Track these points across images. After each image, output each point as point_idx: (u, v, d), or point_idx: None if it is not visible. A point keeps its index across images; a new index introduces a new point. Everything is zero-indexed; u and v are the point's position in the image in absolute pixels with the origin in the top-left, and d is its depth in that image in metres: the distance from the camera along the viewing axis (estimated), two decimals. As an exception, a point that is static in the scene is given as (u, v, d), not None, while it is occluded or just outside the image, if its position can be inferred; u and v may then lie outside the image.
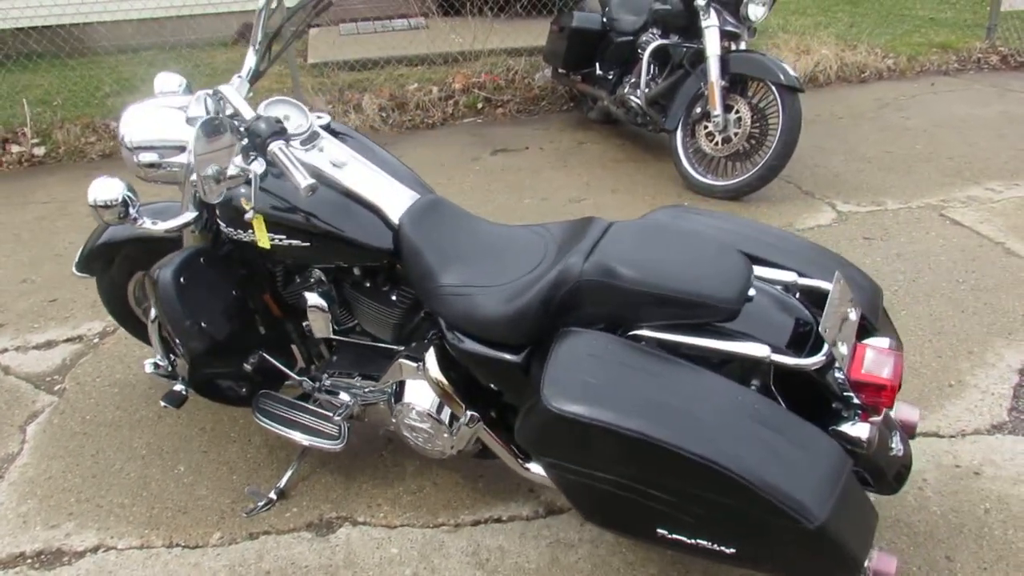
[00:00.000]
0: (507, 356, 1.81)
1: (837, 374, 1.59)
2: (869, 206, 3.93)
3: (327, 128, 2.12)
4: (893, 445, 1.73)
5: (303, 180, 1.66)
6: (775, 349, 1.58)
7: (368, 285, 2.10)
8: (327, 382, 2.23)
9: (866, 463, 1.66)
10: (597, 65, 5.02)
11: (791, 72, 3.80)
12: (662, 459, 1.47)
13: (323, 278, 2.12)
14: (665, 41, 4.36)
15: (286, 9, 5.07)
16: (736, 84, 4.04)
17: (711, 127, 4.05)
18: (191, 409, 2.60)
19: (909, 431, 1.87)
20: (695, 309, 1.60)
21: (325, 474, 2.34)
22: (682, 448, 1.45)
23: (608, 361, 1.58)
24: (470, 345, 1.85)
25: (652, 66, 4.52)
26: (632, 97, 4.55)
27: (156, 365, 2.34)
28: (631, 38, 4.69)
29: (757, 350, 1.57)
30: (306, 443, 2.16)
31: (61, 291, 3.49)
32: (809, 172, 4.39)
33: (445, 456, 2.05)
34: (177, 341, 2.06)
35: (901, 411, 1.88)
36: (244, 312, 2.19)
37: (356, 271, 2.07)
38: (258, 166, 1.86)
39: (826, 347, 1.55)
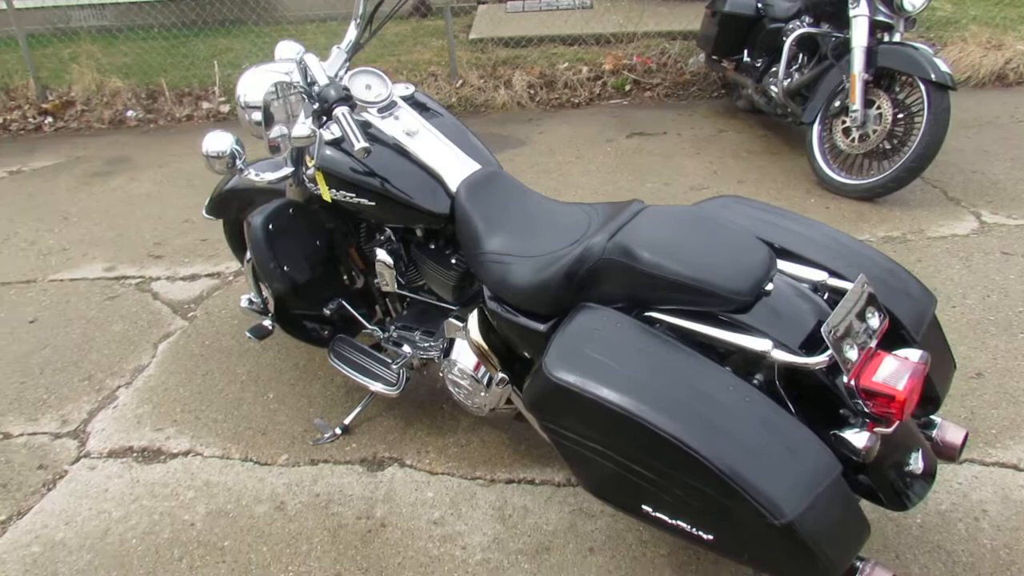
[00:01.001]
0: (534, 324, 1.90)
1: (845, 378, 1.55)
2: (1021, 219, 3.58)
3: (411, 98, 2.28)
4: (910, 461, 1.65)
5: (357, 143, 1.84)
6: (780, 345, 1.56)
7: (432, 248, 2.25)
8: (393, 333, 2.42)
9: (874, 475, 1.61)
10: (746, 52, 4.87)
11: (943, 68, 3.53)
12: (645, 437, 1.51)
13: (392, 237, 2.30)
14: (811, 29, 4.17)
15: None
16: (883, 78, 3.79)
17: (848, 122, 3.84)
18: (290, 347, 2.90)
19: (949, 453, 1.77)
20: (706, 297, 1.61)
21: (388, 418, 2.54)
22: (663, 430, 1.48)
23: (612, 338, 1.63)
24: (503, 311, 1.96)
25: (799, 56, 4.35)
26: (772, 86, 4.39)
27: (250, 301, 2.63)
28: (783, 25, 4.51)
29: (760, 344, 1.56)
30: (366, 385, 2.36)
31: (212, 233, 3.94)
32: (963, 177, 4.05)
33: (483, 414, 2.18)
34: (263, 281, 2.32)
35: (945, 431, 1.78)
36: (326, 262, 2.42)
37: (419, 233, 2.23)
38: (324, 128, 2.05)
39: (839, 345, 1.51)
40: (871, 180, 3.80)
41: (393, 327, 2.43)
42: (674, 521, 1.59)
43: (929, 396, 1.76)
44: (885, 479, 1.62)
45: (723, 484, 1.43)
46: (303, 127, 2.02)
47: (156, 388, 2.77)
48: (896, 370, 1.54)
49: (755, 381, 1.64)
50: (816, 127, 4.07)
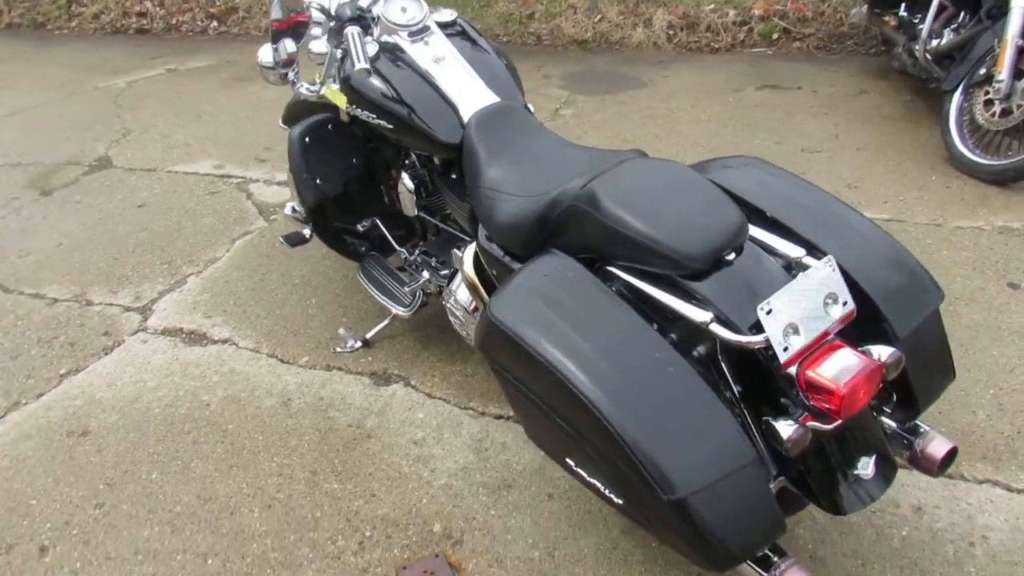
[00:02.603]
0: (511, 263, 1.88)
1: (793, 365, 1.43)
2: None
3: (452, 25, 2.27)
4: (859, 465, 1.51)
5: (358, 63, 1.87)
6: (722, 319, 1.46)
7: (452, 177, 2.26)
8: (417, 258, 2.48)
9: (813, 472, 1.49)
10: (903, 5, 4.38)
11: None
12: (565, 393, 1.48)
13: (416, 163, 2.33)
14: (967, -17, 3.67)
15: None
16: (1045, 46, 3.30)
17: (991, 93, 3.39)
18: (344, 261, 3.03)
19: (928, 466, 1.61)
20: (658, 258, 1.53)
21: (407, 339, 2.62)
22: (578, 388, 1.44)
23: (559, 288, 1.59)
24: (488, 245, 1.95)
25: (959, 14, 3.86)
26: (917, 47, 3.94)
27: (293, 209, 2.76)
28: (950, -23, 4.01)
29: (699, 315, 1.47)
30: (382, 302, 2.45)
31: (316, 143, 4.14)
32: None
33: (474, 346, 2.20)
34: (296, 191, 2.44)
35: (929, 441, 1.61)
36: (361, 180, 2.49)
37: (436, 161, 2.24)
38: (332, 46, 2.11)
39: (776, 328, 1.39)
40: (1006, 162, 3.35)
41: (417, 251, 2.49)
42: (591, 479, 1.57)
43: (909, 401, 1.59)
44: (823, 479, 1.51)
45: (623, 452, 1.38)
46: (319, 44, 2.07)
47: (219, 280, 3.01)
48: (847, 366, 1.40)
49: (695, 353, 1.55)
50: (956, 96, 3.62)
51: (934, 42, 3.86)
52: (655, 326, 1.54)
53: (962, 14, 3.88)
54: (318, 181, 2.39)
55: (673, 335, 1.58)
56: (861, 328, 1.56)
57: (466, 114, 2.08)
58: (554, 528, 1.94)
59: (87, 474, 2.17)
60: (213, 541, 1.96)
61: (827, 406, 1.40)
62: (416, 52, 2.15)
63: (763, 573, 1.45)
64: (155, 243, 3.29)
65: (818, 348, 1.43)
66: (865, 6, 5.11)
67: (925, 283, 1.61)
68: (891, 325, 1.53)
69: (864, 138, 3.94)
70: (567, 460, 1.61)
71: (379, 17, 2.16)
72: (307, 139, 2.37)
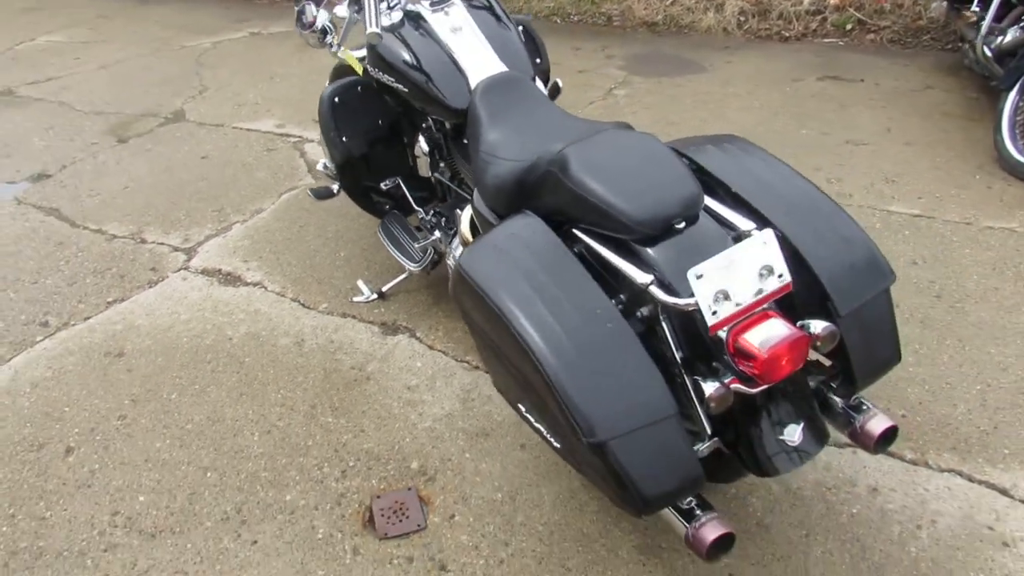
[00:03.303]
0: (497, 223, 2.00)
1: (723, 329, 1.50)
2: None
3: (479, -2, 2.39)
4: (786, 432, 1.57)
5: (369, 27, 2.02)
6: (661, 283, 1.55)
7: (464, 142, 2.39)
8: (432, 218, 2.62)
9: (743, 435, 1.57)
10: (975, 1, 4.23)
11: None
12: (513, 341, 1.59)
13: (432, 127, 2.46)
14: (1034, -23, 3.54)
15: None
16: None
17: (1045, 92, 3.28)
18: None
19: (865, 441, 1.65)
20: (612, 222, 1.63)
21: (421, 294, 2.78)
22: (523, 337, 1.54)
23: (521, 245, 1.69)
24: (480, 206, 2.08)
25: (1021, 12, 3.73)
26: (979, 42, 3.82)
27: (325, 165, 2.94)
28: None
29: (641, 277, 1.56)
30: (395, 257, 2.61)
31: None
32: None
33: (471, 303, 2.33)
34: (325, 147, 2.61)
35: (869, 418, 1.65)
36: (386, 140, 2.65)
37: (448, 126, 2.37)
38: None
39: (706, 293, 1.47)
40: (1054, 165, 3.25)
41: (432, 211, 2.63)
42: (538, 424, 1.69)
43: (849, 378, 1.64)
44: (752, 442, 1.58)
45: (555, 398, 1.49)
46: (342, 7, 2.23)
47: (261, 228, 3.24)
48: (773, 334, 1.47)
49: (639, 314, 1.64)
50: (1012, 95, 3.51)
51: (999, 39, 3.74)
52: (608, 286, 1.64)
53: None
54: (344, 139, 2.56)
55: (623, 295, 1.67)
56: (809, 303, 1.62)
57: (475, 82, 2.20)
58: (520, 475, 2.07)
59: (116, 389, 2.42)
60: (215, 457, 2.17)
61: (752, 370, 1.48)
62: (436, 21, 2.28)
63: (685, 524, 1.55)
64: (210, 192, 3.55)
65: (750, 315, 1.50)
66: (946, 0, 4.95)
67: (876, 264, 1.65)
68: (833, 302, 1.58)
69: (916, 133, 3.85)
70: (519, 406, 1.73)
71: None
72: (336, 99, 2.54)
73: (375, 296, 2.76)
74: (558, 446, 1.64)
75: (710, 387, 1.49)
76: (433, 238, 2.55)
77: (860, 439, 1.66)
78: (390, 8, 2.33)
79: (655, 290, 1.54)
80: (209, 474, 2.12)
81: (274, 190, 3.54)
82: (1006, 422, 2.14)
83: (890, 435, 1.64)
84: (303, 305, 2.76)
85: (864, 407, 1.67)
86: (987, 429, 2.11)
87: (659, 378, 1.48)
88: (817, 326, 1.53)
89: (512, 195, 1.90)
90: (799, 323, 1.55)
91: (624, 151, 1.73)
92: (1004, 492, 1.93)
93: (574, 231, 1.74)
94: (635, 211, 1.59)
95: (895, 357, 1.68)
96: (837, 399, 1.70)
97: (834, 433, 1.67)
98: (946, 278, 2.74)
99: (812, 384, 1.74)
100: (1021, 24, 3.74)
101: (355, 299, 2.76)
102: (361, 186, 2.79)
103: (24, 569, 1.88)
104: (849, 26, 5.40)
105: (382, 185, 2.72)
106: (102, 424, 2.29)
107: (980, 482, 1.96)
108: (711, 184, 1.78)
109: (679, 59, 5.09)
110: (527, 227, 1.74)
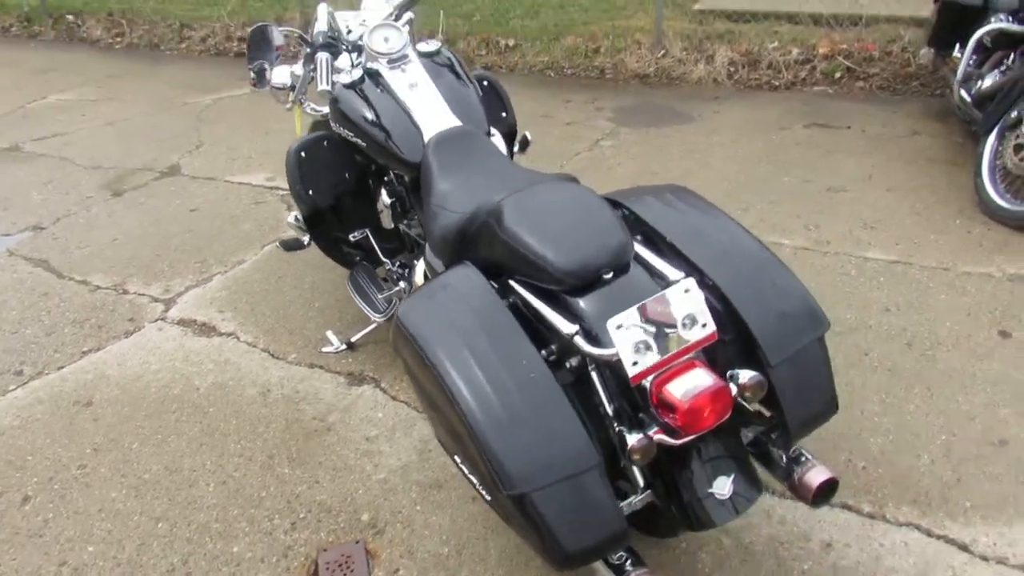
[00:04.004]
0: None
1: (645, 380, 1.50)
2: None
3: (436, 54, 2.45)
4: (715, 484, 1.55)
5: (321, 85, 2.08)
6: (586, 333, 1.55)
7: (420, 194, 2.42)
8: (397, 269, 2.65)
9: (673, 487, 1.55)
10: (957, 46, 4.26)
11: None
12: (443, 392, 1.60)
13: (394, 180, 2.50)
14: (1007, 25, 3.56)
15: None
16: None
17: (1021, 137, 3.28)
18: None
19: (803, 494, 1.62)
20: (542, 273, 1.64)
21: (390, 345, 2.78)
22: (450, 388, 1.54)
23: (455, 297, 1.70)
24: (430, 257, 2.10)
25: (1011, 56, 3.75)
26: (962, 89, 3.84)
27: (296, 218, 2.98)
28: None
29: (567, 327, 1.56)
30: (361, 307, 2.63)
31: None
32: None
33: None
34: (294, 200, 2.66)
35: (807, 470, 1.62)
36: (353, 193, 2.69)
37: (407, 178, 2.41)
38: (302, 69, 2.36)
39: (627, 343, 1.47)
40: (1034, 210, 3.22)
41: (398, 263, 2.66)
42: (470, 476, 1.67)
43: (784, 429, 1.62)
44: (680, 495, 1.56)
45: (478, 448, 1.49)
46: (297, 66, 2.30)
47: (240, 279, 3.28)
48: (695, 385, 1.46)
49: (568, 364, 1.64)
50: (991, 139, 3.50)
51: (978, 84, 3.75)
52: (541, 337, 1.65)
53: (1012, 56, 3.76)
54: (310, 192, 2.61)
55: (554, 346, 1.67)
56: (742, 353, 1.61)
57: (428, 136, 2.24)
58: (469, 528, 2.04)
59: (80, 438, 2.43)
60: (168, 507, 2.17)
61: (675, 422, 1.47)
62: (393, 78, 2.34)
63: (614, 579, 1.52)
64: (196, 244, 3.62)
65: (673, 366, 1.49)
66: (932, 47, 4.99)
67: (810, 313, 1.64)
68: (763, 351, 1.57)
69: (899, 179, 3.85)
70: (455, 457, 1.72)
71: (365, 45, 2.37)
72: (302, 154, 2.59)
73: (344, 347, 2.77)
74: (488, 498, 1.62)
75: (633, 438, 1.48)
76: (397, 289, 2.57)
77: (799, 492, 1.64)
78: (353, 66, 2.40)
79: (579, 340, 1.54)
80: (160, 524, 2.12)
81: (258, 242, 3.60)
82: (970, 474, 2.09)
83: (829, 488, 1.61)
84: (272, 355, 2.78)
85: (803, 459, 1.64)
86: (949, 481, 2.06)
87: (581, 430, 1.47)
88: (744, 376, 1.52)
89: (455, 245, 1.92)
90: (729, 373, 1.55)
91: (556, 203, 1.74)
92: (963, 547, 1.88)
93: (510, 282, 1.76)
94: (562, 262, 1.60)
95: (831, 408, 1.65)
96: (776, 450, 1.67)
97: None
98: (918, 325, 2.70)
99: (751, 434, 1.72)
100: (1000, 69, 3.76)
101: (324, 349, 2.78)
102: (331, 237, 2.83)
103: (-34, 622, 1.88)
104: (838, 74, 5.44)
105: (351, 237, 2.75)
106: (61, 473, 2.31)
107: (939, 537, 1.91)
108: (648, 234, 1.79)
109: (668, 110, 5.14)
110: (464, 278, 1.75)
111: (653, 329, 1.47)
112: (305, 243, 2.83)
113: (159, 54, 7.32)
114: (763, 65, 5.62)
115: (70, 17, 8.23)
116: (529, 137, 2.86)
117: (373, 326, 2.77)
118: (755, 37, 5.90)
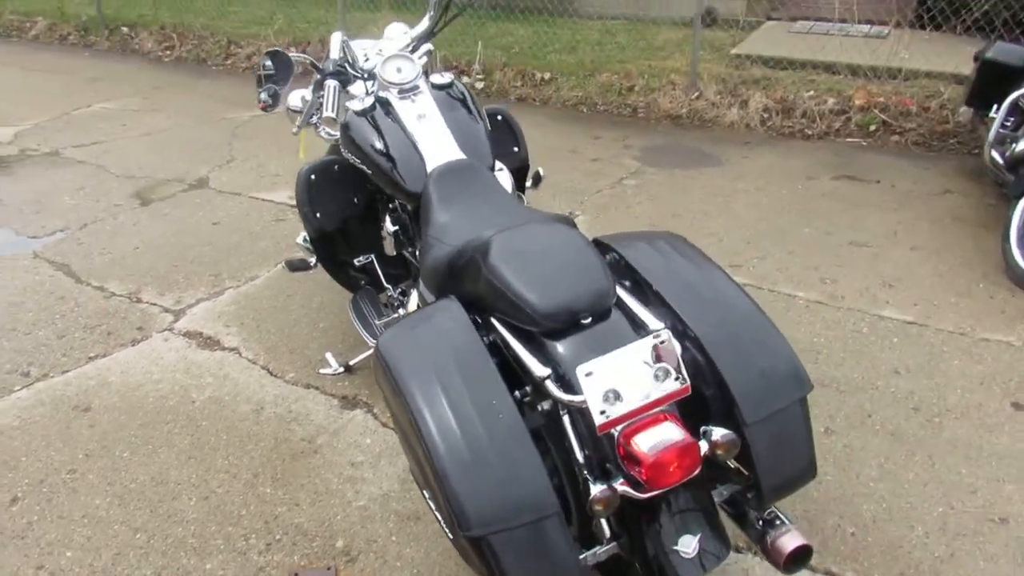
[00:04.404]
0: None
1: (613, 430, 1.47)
2: None
3: (449, 86, 2.47)
4: (680, 542, 1.51)
5: (327, 112, 2.10)
6: (558, 377, 1.53)
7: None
8: (399, 295, 2.66)
9: (636, 543, 1.52)
10: (995, 107, 4.19)
11: None
12: (412, 425, 1.59)
13: (398, 208, 2.52)
14: (1039, 89, 3.49)
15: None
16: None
17: (1051, 204, 3.20)
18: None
19: (776, 558, 1.58)
20: (520, 313, 1.63)
21: (387, 370, 2.78)
22: (417, 421, 1.53)
23: (434, 331, 1.69)
24: (422, 288, 2.10)
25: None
26: (995, 150, 3.76)
27: (305, 239, 3.02)
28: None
29: (539, 370, 1.54)
30: (359, 332, 2.64)
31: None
32: None
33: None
34: (302, 221, 2.70)
35: (781, 534, 1.58)
36: (360, 218, 2.71)
37: (409, 207, 2.42)
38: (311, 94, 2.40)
39: (596, 391, 1.44)
40: (1059, 278, 3.13)
41: (400, 290, 2.67)
42: (436, 513, 1.66)
43: (758, 490, 1.58)
44: (646, 548, 1.52)
45: (439, 485, 1.47)
46: (307, 91, 2.34)
47: (250, 295, 3.32)
48: (662, 439, 1.43)
49: (540, 407, 1.62)
50: (1021, 203, 3.42)
51: (1012, 146, 3.68)
52: (517, 378, 1.63)
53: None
54: (318, 215, 2.64)
55: (528, 388, 1.65)
56: (720, 409, 1.58)
57: (431, 167, 2.25)
58: (441, 563, 2.02)
59: (74, 443, 2.47)
60: (148, 519, 2.18)
61: (640, 475, 1.44)
62: (402, 108, 2.36)
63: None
64: (213, 257, 3.67)
65: (642, 418, 1.46)
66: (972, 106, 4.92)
67: (793, 373, 1.60)
68: (739, 409, 1.53)
69: (924, 238, 3.77)
70: (424, 493, 1.71)
71: (377, 74, 2.40)
72: (312, 176, 2.63)
73: (341, 369, 2.78)
74: (450, 537, 1.60)
75: (596, 488, 1.45)
76: (395, 316, 2.57)
77: (771, 556, 1.59)
78: (367, 93, 2.43)
79: (550, 385, 1.52)
80: (139, 535, 2.13)
81: (273, 259, 3.64)
82: (964, 550, 2.01)
83: (803, 555, 1.56)
84: (271, 373, 2.80)
85: (778, 522, 1.60)
86: (942, 556, 1.99)
87: (543, 476, 1.44)
88: (717, 433, 1.49)
89: (444, 278, 1.92)
90: (703, 428, 1.52)
91: (543, 243, 1.73)
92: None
93: (491, 319, 1.75)
94: (540, 303, 1.59)
95: (808, 473, 1.61)
96: (752, 511, 1.63)
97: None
98: (928, 390, 2.63)
99: (726, 492, 1.68)
100: (1036, 134, 3.68)
101: (322, 371, 2.79)
102: (337, 260, 2.85)
103: (-63, 618, 1.90)
104: (873, 127, 5.38)
105: (356, 261, 2.77)
106: (51, 476, 2.33)
107: (920, 613, 1.83)
108: (635, 280, 1.77)
109: (696, 152, 5.12)
110: (445, 312, 1.74)
111: (624, 379, 1.44)
112: (312, 264, 2.86)
113: (205, 69, 7.51)
114: (797, 113, 5.58)
115: (125, 29, 8.51)
116: (542, 173, 2.85)
117: (371, 351, 2.77)
118: (791, 85, 5.88)
